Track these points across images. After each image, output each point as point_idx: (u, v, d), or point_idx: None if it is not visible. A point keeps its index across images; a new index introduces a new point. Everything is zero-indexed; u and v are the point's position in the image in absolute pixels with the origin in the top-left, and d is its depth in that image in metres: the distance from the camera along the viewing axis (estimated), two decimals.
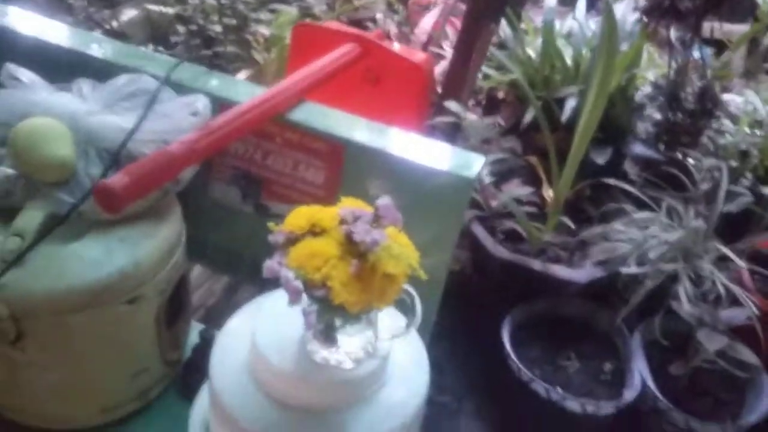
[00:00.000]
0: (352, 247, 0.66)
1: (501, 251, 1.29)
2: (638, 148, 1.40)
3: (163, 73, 0.96)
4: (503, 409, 1.31)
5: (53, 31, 1.11)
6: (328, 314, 0.66)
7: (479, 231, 1.32)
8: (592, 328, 1.33)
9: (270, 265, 0.66)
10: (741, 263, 1.22)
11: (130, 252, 0.84)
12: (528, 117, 1.36)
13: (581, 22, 1.46)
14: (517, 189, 1.34)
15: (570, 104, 1.34)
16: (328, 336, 0.72)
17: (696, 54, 1.38)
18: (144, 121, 0.85)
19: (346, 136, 0.93)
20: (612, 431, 1.27)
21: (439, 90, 1.33)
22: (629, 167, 1.48)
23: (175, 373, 1.01)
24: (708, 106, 1.36)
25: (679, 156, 1.44)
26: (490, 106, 1.54)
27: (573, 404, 1.17)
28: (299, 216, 0.68)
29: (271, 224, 0.69)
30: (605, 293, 1.35)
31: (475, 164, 0.91)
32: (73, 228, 0.84)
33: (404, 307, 0.75)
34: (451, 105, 1.17)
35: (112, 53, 1.06)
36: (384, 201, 0.67)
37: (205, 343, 0.96)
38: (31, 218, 0.82)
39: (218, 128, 0.83)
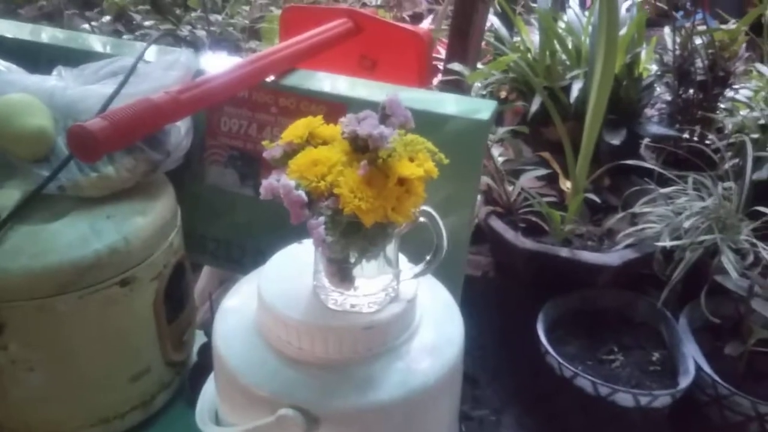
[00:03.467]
0: (360, 154, 0.59)
1: (525, 242, 1.20)
2: (653, 128, 1.33)
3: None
4: (546, 414, 1.19)
5: (23, 28, 1.10)
6: (339, 227, 0.57)
7: (499, 225, 1.24)
8: (630, 318, 1.22)
9: (267, 183, 0.58)
10: None
11: (119, 228, 0.76)
12: (534, 106, 1.31)
13: (576, 11, 1.43)
14: (533, 179, 1.27)
15: (576, 86, 1.29)
16: (343, 275, 0.63)
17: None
18: (125, 87, 0.79)
19: (347, 94, 0.87)
20: (669, 427, 1.16)
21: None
22: (645, 151, 1.42)
23: (182, 379, 0.90)
24: (720, 74, 1.30)
25: (696, 132, 1.38)
26: None
27: (625, 397, 1.05)
28: (298, 127, 0.61)
29: (265, 142, 0.61)
30: (639, 281, 1.26)
31: (486, 108, 0.84)
32: (56, 207, 0.77)
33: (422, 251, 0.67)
34: (455, 66, 1.11)
35: (89, 44, 1.02)
36: (391, 96, 0.60)
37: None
38: (7, 197, 0.75)
39: (204, 82, 0.76)
